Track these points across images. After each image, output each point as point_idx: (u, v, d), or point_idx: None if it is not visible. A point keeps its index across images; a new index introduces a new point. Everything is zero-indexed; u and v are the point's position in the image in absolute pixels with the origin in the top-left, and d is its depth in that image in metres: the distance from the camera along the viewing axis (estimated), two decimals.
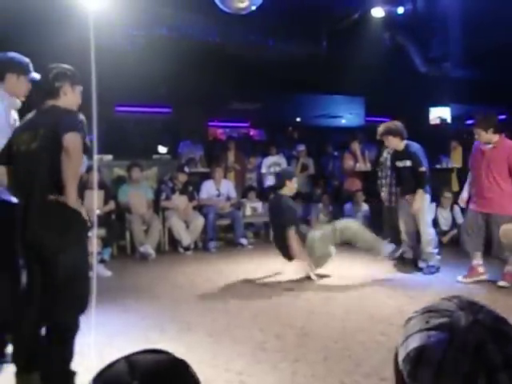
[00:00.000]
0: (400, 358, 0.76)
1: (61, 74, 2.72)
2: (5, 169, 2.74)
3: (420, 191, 5.31)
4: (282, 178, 5.47)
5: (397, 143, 5.51)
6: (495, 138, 4.78)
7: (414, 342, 0.74)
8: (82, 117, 2.55)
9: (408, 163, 5.45)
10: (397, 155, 5.62)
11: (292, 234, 5.02)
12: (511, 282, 4.75)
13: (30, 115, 2.71)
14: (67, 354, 2.51)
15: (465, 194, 5.25)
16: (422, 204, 5.36)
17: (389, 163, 6.34)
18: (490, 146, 4.80)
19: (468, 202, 5.18)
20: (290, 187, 5.36)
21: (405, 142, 5.51)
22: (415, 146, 5.50)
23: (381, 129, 5.58)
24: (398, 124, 5.56)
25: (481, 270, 4.97)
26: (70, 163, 2.44)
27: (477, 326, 0.72)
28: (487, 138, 4.79)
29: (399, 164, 5.58)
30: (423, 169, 5.36)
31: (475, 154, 5.00)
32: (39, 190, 2.51)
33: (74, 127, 2.47)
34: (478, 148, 4.96)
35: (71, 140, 2.43)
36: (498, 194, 4.75)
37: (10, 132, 2.93)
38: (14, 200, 2.88)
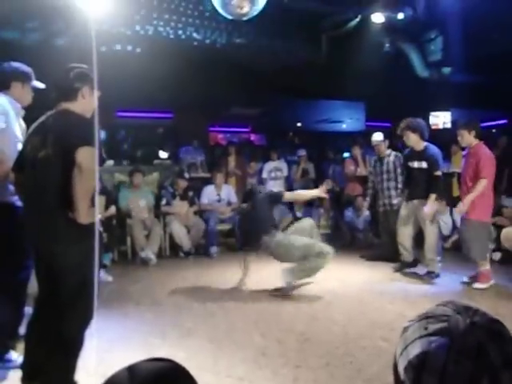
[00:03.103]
0: (401, 368, 0.75)
1: (83, 74, 2.57)
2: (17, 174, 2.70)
3: (433, 196, 5.24)
4: None
5: (416, 141, 5.38)
6: (474, 142, 4.94)
7: (415, 349, 0.73)
8: (96, 125, 2.32)
9: (424, 165, 5.35)
10: (413, 155, 5.49)
11: None
12: (486, 281, 4.85)
13: (41, 118, 2.59)
14: (70, 367, 2.47)
15: None
16: (433, 209, 5.30)
17: (378, 169, 6.37)
18: (469, 150, 5.00)
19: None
20: None
21: (425, 143, 5.42)
22: (435, 150, 5.41)
23: (402, 124, 5.48)
24: (419, 121, 5.49)
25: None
26: (82, 180, 2.29)
27: (475, 328, 0.73)
28: (469, 141, 4.97)
29: (413, 165, 5.46)
30: (439, 173, 5.31)
31: (463, 161, 5.20)
32: (48, 204, 2.42)
33: (89, 140, 2.26)
34: (464, 155, 5.19)
35: (85, 156, 2.27)
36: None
37: (19, 140, 2.98)
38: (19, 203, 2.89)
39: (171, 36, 7.59)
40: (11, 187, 2.94)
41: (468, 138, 4.95)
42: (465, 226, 5.01)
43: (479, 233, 4.86)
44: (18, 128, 3.04)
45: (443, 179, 5.51)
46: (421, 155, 5.39)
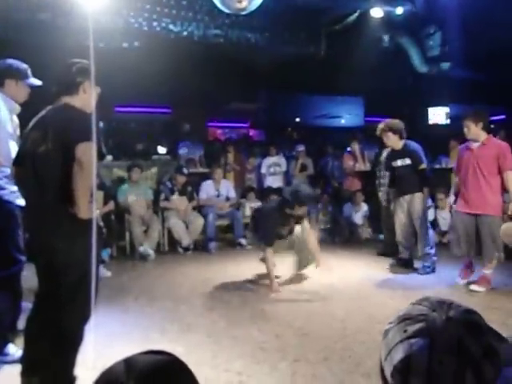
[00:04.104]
0: (387, 373, 0.76)
1: (84, 69, 2.55)
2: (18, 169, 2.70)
3: (426, 189, 5.35)
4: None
5: (395, 141, 5.50)
6: (483, 135, 4.72)
7: (398, 354, 0.74)
8: (96, 120, 2.30)
9: (408, 161, 5.43)
10: (394, 154, 5.60)
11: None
12: (486, 286, 4.67)
13: (41, 113, 2.57)
14: (70, 362, 2.47)
15: (451, 198, 5.21)
16: (422, 203, 5.36)
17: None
18: (478, 143, 4.74)
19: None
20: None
21: (403, 141, 5.51)
22: (414, 145, 5.51)
23: (381, 125, 5.58)
24: (398, 122, 5.56)
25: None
26: (82, 176, 2.29)
27: (451, 324, 0.73)
28: (475, 133, 4.71)
29: (397, 163, 5.54)
30: (424, 166, 5.39)
31: (462, 154, 4.92)
32: (49, 199, 2.42)
33: (88, 136, 2.26)
34: (465, 148, 4.91)
35: (85, 151, 2.28)
36: (486, 192, 4.67)
37: (13, 136, 3.02)
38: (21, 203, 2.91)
39: (169, 31, 7.56)
40: None
41: (475, 130, 4.70)
42: (483, 223, 4.67)
43: (497, 229, 4.64)
44: (10, 124, 3.05)
45: (430, 173, 5.54)
46: (402, 153, 5.48)
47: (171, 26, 7.55)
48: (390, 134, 5.48)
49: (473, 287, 4.69)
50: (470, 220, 4.78)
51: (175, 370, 0.79)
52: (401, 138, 5.49)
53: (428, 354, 0.71)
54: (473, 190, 4.73)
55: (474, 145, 4.77)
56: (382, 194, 6.50)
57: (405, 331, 0.75)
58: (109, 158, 7.36)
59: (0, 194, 2.97)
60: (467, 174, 4.79)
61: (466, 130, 4.78)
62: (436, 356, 0.70)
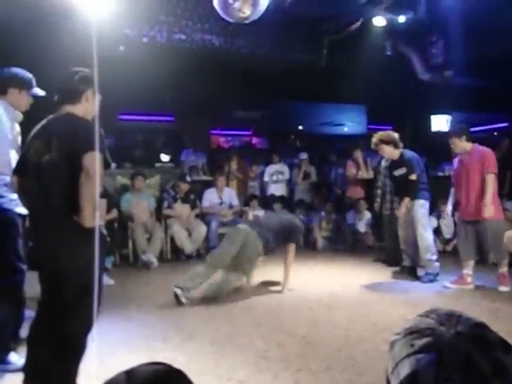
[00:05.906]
0: None
1: (87, 78, 2.56)
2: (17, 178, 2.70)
3: (406, 199, 5.41)
4: None
5: (391, 151, 5.58)
6: (468, 146, 5.09)
7: (405, 369, 0.73)
8: (98, 128, 2.28)
9: (404, 170, 5.51)
10: (393, 164, 5.71)
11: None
12: (509, 283, 4.85)
13: (43, 122, 2.57)
14: (72, 371, 2.46)
15: (449, 207, 5.49)
16: (418, 211, 5.40)
17: (388, 172, 6.37)
18: (466, 155, 5.07)
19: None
20: None
21: (400, 150, 5.58)
22: (409, 154, 5.60)
23: (373, 139, 5.66)
24: (390, 133, 5.66)
25: (469, 279, 5.06)
26: (89, 185, 2.28)
27: (460, 339, 0.72)
28: (462, 147, 5.08)
29: (396, 172, 5.64)
30: (413, 177, 5.43)
31: (456, 167, 5.24)
32: (54, 208, 2.42)
33: (94, 145, 2.22)
34: (457, 161, 5.22)
35: (92, 161, 2.26)
36: (482, 198, 4.87)
37: (14, 144, 3.03)
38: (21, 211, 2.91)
39: (173, 40, 7.60)
40: None
41: (460, 144, 5.08)
42: (485, 228, 4.89)
43: (499, 232, 4.90)
44: (11, 132, 3.07)
45: (426, 181, 5.58)
46: (399, 162, 5.58)
47: (175, 35, 7.59)
48: (382, 145, 5.57)
49: (502, 288, 4.86)
50: (470, 227, 5.02)
51: (176, 380, 0.79)
52: (396, 147, 5.55)
53: (435, 371, 0.69)
54: (471, 198, 5.01)
55: (463, 156, 5.10)
56: (377, 204, 6.54)
57: (412, 345, 0.74)
58: (112, 165, 7.39)
59: None
60: (462, 184, 5.11)
61: (452, 146, 5.14)
62: (443, 372, 0.69)
